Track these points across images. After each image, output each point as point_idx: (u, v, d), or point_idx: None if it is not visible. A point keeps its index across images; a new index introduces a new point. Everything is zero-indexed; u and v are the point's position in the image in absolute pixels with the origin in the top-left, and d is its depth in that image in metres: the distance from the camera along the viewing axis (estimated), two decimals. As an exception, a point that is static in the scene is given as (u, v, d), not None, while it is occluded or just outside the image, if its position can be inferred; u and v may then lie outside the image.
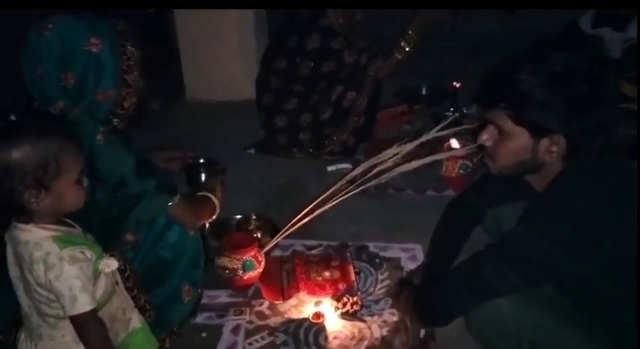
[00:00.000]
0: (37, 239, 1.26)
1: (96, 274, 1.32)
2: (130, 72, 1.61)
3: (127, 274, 1.61)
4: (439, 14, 2.86)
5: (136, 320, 1.46)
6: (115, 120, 1.65)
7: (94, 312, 1.28)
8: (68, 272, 1.24)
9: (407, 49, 2.87)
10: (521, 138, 1.36)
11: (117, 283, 1.42)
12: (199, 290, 1.96)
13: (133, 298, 1.58)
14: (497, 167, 1.46)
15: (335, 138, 2.99)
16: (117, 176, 1.59)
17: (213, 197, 1.91)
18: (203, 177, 2.17)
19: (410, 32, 2.84)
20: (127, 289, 1.54)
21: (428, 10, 2.80)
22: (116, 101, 1.62)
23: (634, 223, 1.29)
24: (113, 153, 1.58)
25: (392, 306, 1.99)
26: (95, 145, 1.54)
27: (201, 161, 2.25)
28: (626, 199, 1.31)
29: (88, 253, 1.29)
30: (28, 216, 1.26)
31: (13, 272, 1.33)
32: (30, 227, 1.27)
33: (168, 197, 1.70)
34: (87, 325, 1.28)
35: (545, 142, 1.34)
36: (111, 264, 1.34)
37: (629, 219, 1.29)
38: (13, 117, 1.23)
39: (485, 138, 1.43)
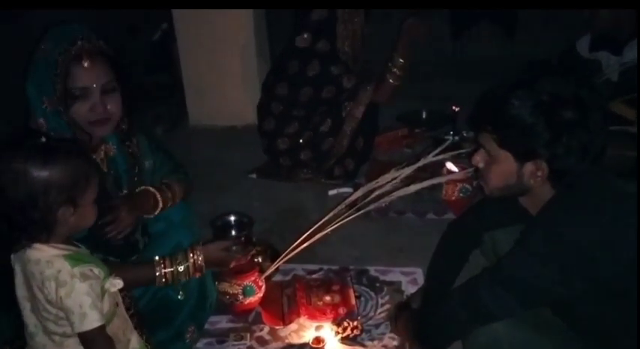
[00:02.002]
0: (48, 257, 1.29)
1: (102, 293, 1.34)
2: (57, 83, 1.56)
3: (131, 312, 1.60)
4: (422, 35, 2.83)
5: (135, 342, 1.48)
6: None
7: (102, 329, 1.31)
8: (79, 290, 1.27)
9: (398, 73, 2.86)
10: (506, 161, 1.39)
11: (117, 304, 1.44)
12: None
13: None
14: (488, 188, 1.49)
15: (335, 149, 3.00)
16: None
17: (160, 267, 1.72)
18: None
19: (395, 56, 2.84)
20: None
21: (410, 32, 2.78)
22: (62, 115, 1.59)
23: (629, 245, 1.30)
24: None
25: (392, 330, 1.99)
26: None
27: (232, 218, 2.06)
28: (620, 222, 1.32)
29: (96, 271, 1.33)
30: (48, 236, 1.30)
31: (21, 292, 1.35)
32: (41, 246, 1.30)
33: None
34: (95, 341, 1.30)
35: (529, 166, 1.36)
36: (117, 284, 1.37)
37: (623, 242, 1.30)
38: (43, 139, 1.29)
39: (477, 160, 1.46)
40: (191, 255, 1.74)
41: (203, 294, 1.91)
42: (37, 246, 1.30)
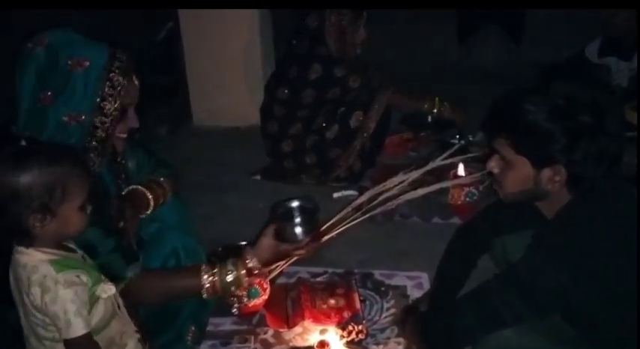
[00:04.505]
0: (34, 262, 1.28)
1: (93, 299, 1.32)
2: (109, 100, 1.51)
3: (132, 321, 1.57)
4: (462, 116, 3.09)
5: (132, 348, 1.46)
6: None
7: (87, 337, 1.28)
8: (63, 296, 1.25)
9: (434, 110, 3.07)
10: (522, 167, 1.37)
11: (119, 307, 1.42)
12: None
13: None
14: (503, 194, 1.48)
15: (342, 162, 2.99)
16: None
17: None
18: (298, 230, 1.70)
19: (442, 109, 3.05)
20: None
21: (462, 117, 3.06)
22: (88, 130, 1.51)
23: None
24: None
25: (398, 334, 1.97)
26: None
27: (295, 204, 1.81)
28: (634, 229, 1.30)
29: (84, 277, 1.30)
30: (31, 240, 1.28)
31: (15, 295, 1.34)
32: (29, 250, 1.29)
33: (125, 263, 1.53)
34: None
35: (547, 172, 1.35)
36: (108, 290, 1.35)
37: (637, 249, 1.28)
38: (23, 142, 1.26)
39: (492, 165, 1.45)
40: (242, 262, 1.62)
41: None
42: (25, 250, 1.28)
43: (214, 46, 3.75)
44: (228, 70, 3.82)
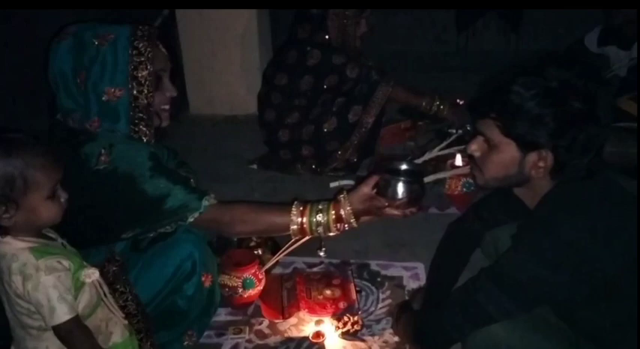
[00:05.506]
0: (14, 250, 1.28)
1: (78, 285, 1.32)
2: (140, 67, 1.54)
3: (138, 319, 1.58)
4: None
5: (118, 335, 1.45)
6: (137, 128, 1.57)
7: (73, 320, 1.28)
8: (45, 283, 1.26)
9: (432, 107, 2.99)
10: (508, 150, 1.34)
11: (105, 295, 1.41)
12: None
13: (139, 341, 1.56)
14: (483, 178, 1.44)
15: (339, 154, 2.98)
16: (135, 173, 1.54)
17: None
18: (400, 187, 1.58)
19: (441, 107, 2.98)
20: (135, 331, 1.53)
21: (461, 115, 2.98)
22: (130, 102, 1.55)
23: (628, 246, 1.26)
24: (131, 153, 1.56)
25: (392, 328, 1.96)
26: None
27: (404, 167, 1.69)
28: (617, 221, 1.28)
29: (66, 263, 1.30)
30: (4, 230, 1.28)
31: None
32: (7, 239, 1.29)
33: (201, 196, 1.57)
34: (70, 333, 1.29)
35: (532, 157, 1.32)
36: (92, 274, 1.35)
37: (621, 242, 1.26)
38: None
39: (474, 148, 1.42)
40: (334, 205, 1.58)
41: (211, 300, 1.87)
42: (3, 239, 1.29)
43: (211, 34, 3.72)
44: (225, 58, 3.80)
